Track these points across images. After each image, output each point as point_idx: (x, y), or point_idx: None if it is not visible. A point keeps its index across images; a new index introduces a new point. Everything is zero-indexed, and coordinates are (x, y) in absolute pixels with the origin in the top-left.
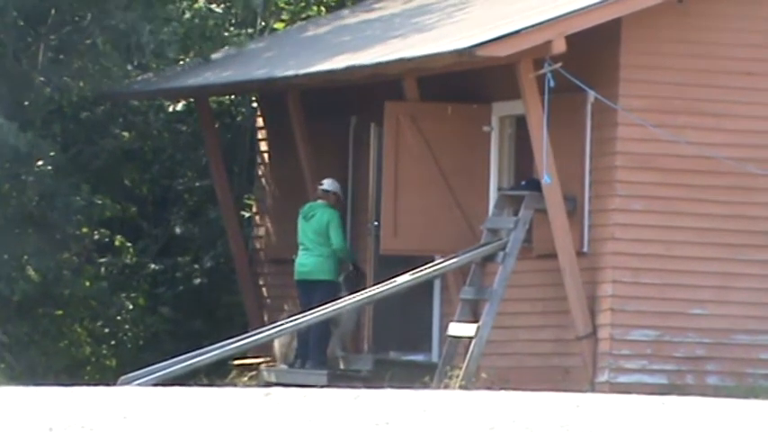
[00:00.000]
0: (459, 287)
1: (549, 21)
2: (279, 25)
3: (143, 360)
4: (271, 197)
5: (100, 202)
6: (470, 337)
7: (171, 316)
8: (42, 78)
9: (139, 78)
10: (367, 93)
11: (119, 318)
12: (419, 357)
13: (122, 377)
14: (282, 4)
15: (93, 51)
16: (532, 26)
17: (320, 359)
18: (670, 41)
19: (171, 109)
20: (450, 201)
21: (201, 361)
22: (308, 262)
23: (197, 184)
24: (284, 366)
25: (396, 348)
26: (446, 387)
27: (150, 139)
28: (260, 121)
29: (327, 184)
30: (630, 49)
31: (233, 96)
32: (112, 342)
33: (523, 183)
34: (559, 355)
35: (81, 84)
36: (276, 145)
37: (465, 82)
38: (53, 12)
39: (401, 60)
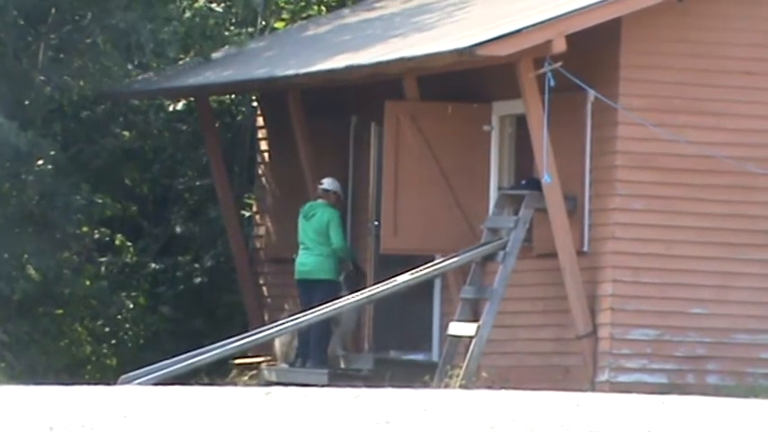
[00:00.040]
0: (459, 286)
1: (549, 20)
2: (279, 24)
3: (143, 359)
4: (271, 196)
5: (100, 201)
6: (471, 337)
7: (171, 315)
8: (43, 77)
9: (140, 77)
10: (367, 92)
11: (119, 317)
12: (419, 357)
13: (123, 376)
14: (283, 4)
15: (94, 50)
16: (533, 25)
17: (321, 358)
18: (670, 41)
19: (171, 108)
20: (450, 200)
21: (202, 360)
22: (308, 261)
23: (197, 183)
24: (285, 365)
25: (396, 348)
26: (446, 386)
27: (150, 139)
28: (260, 121)
29: (327, 183)
30: (630, 49)
31: (233, 96)
32: (113, 341)
33: (524, 182)
34: (560, 354)
35: (81, 83)
36: (276, 144)
37: (465, 81)
38: (53, 11)
39: (401, 60)
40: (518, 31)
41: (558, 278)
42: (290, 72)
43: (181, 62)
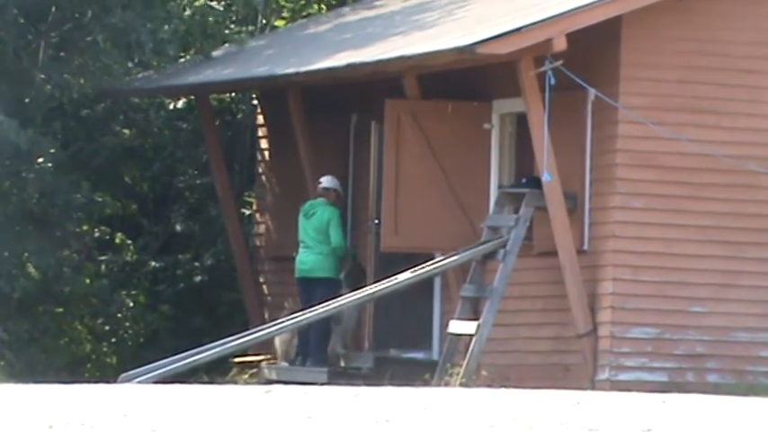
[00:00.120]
0: (459, 285)
1: (549, 18)
2: (280, 23)
3: (143, 357)
4: (271, 195)
5: (100, 199)
6: (471, 335)
7: (171, 313)
8: (43, 76)
9: (140, 76)
10: (367, 90)
11: (119, 315)
12: (419, 355)
13: (123, 375)
14: (283, 2)
15: (94, 49)
16: (533, 24)
17: (321, 357)
18: (670, 39)
19: (171, 106)
20: (450, 198)
21: (202, 358)
22: (308, 260)
23: (197, 181)
24: (285, 364)
25: (396, 346)
26: (446, 384)
27: (151, 137)
28: (260, 119)
29: (326, 181)
30: (631, 47)
31: (233, 94)
32: (113, 339)
33: (524, 180)
34: (560, 352)
35: (81, 81)
36: (277, 142)
37: (465, 79)
38: (53, 9)
39: (402, 58)
40: (518, 30)
41: (559, 276)
42: (291, 70)
43: (181, 60)
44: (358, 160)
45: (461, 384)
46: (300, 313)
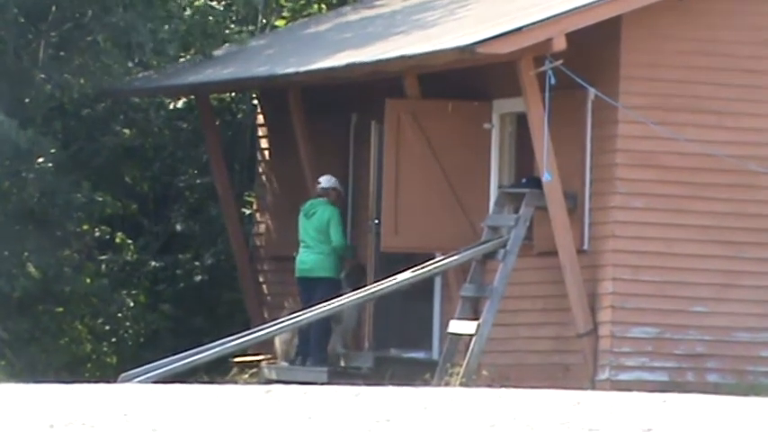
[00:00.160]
0: (459, 284)
1: (549, 18)
2: (280, 22)
3: (143, 357)
4: (271, 194)
5: (100, 199)
6: (471, 335)
7: (172, 313)
8: (43, 75)
9: (140, 75)
10: (368, 90)
11: (119, 315)
12: (420, 355)
13: (123, 374)
14: (283, 2)
15: (94, 48)
16: (533, 23)
17: (321, 356)
18: (671, 39)
19: (171, 106)
20: (450, 198)
21: (202, 358)
22: (308, 259)
23: (198, 181)
24: (285, 363)
25: (396, 346)
26: (447, 384)
27: (151, 137)
28: (261, 119)
29: (324, 181)
30: (631, 47)
31: (234, 93)
32: (113, 339)
33: (524, 180)
34: (560, 352)
35: (82, 81)
36: (277, 142)
37: (466, 79)
38: (54, 9)
39: (402, 58)
40: (519, 29)
41: (559, 276)
42: (291, 70)
43: (181, 60)
44: (358, 160)
45: (462, 384)
46: (300, 313)
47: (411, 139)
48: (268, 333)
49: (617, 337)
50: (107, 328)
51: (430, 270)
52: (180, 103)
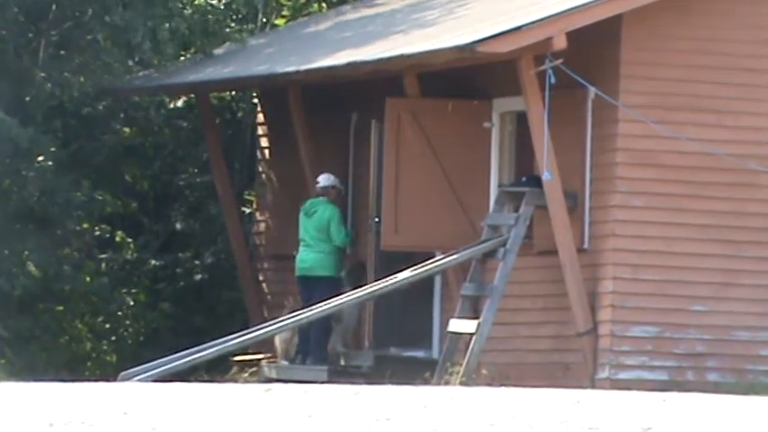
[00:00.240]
0: (459, 283)
1: (549, 17)
2: (280, 21)
3: (143, 356)
4: (271, 193)
5: (101, 197)
6: (471, 334)
7: (171, 312)
8: (43, 74)
9: (140, 74)
10: (368, 89)
11: (119, 314)
12: (420, 353)
13: (123, 373)
14: (284, 1)
15: (94, 47)
16: (533, 22)
17: (321, 355)
18: (671, 38)
19: (172, 105)
20: (450, 197)
21: (202, 357)
22: (308, 258)
23: (198, 179)
24: (285, 362)
25: (396, 344)
26: (446, 383)
27: (151, 135)
28: (261, 117)
29: (323, 179)
30: (631, 46)
31: (234, 92)
32: (113, 338)
33: (524, 179)
34: (560, 351)
35: (82, 79)
36: (277, 141)
37: (466, 78)
38: (54, 7)
39: (402, 56)
40: (519, 28)
41: (559, 275)
42: (291, 69)
43: (182, 59)
44: (358, 159)
45: (461, 383)
46: (300, 312)
47: (411, 138)
48: (268, 332)
49: (617, 336)
50: (107, 326)
51: (430, 269)
52: (180, 102)
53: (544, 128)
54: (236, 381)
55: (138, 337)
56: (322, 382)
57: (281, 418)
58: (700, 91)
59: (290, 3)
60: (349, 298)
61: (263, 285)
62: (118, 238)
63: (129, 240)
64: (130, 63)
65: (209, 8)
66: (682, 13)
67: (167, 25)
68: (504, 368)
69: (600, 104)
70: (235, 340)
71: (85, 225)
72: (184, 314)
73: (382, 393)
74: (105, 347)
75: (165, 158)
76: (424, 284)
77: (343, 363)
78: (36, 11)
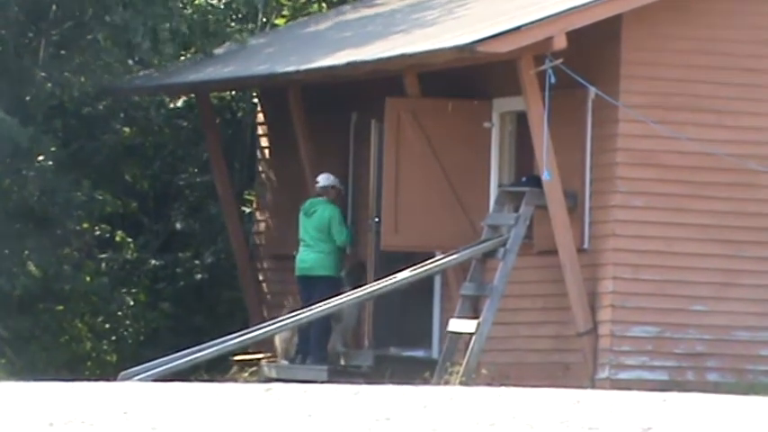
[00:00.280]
0: (459, 283)
1: (549, 17)
2: (280, 21)
3: (143, 355)
4: (271, 193)
5: (101, 197)
6: (471, 334)
7: (171, 312)
8: (43, 74)
9: (140, 74)
10: (368, 89)
11: (119, 313)
12: (419, 353)
13: (123, 372)
14: (284, 1)
15: (95, 47)
16: (533, 22)
17: (321, 355)
18: (671, 38)
19: (172, 105)
20: (450, 197)
21: (202, 356)
22: (308, 258)
23: (198, 179)
24: (285, 362)
25: (396, 344)
26: (446, 383)
27: (151, 135)
28: (261, 117)
29: (323, 179)
30: (631, 46)
31: (234, 92)
32: (113, 337)
33: (524, 179)
34: (560, 351)
35: (82, 79)
36: (277, 141)
37: (466, 78)
38: (54, 7)
39: (402, 56)
40: (519, 28)
41: (559, 275)
42: (291, 68)
43: (182, 58)
44: (358, 158)
45: (461, 383)
46: (300, 311)
47: (411, 138)
48: (268, 331)
49: (617, 336)
50: (107, 326)
51: (430, 269)
52: (180, 102)
53: (544, 128)
54: (236, 380)
55: (138, 336)
56: (322, 382)
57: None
58: (700, 91)
59: (290, 3)
60: (349, 298)
61: (263, 285)
62: (118, 238)
63: (129, 240)
64: (130, 63)
65: (209, 8)
66: (682, 12)
67: (167, 25)
68: (504, 368)
69: (600, 104)
70: (235, 340)
71: (85, 225)
72: (184, 314)
73: (382, 393)
74: (105, 347)
75: (165, 158)
76: (424, 284)
77: (342, 362)
78: (36, 10)
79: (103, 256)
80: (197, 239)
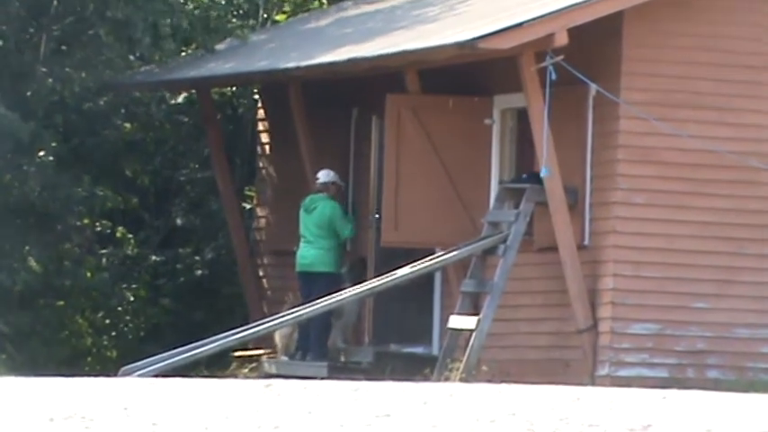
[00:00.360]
0: (459, 280)
1: (551, 13)
2: (281, 17)
3: (144, 351)
4: (272, 189)
5: (101, 193)
6: (471, 330)
7: (172, 307)
8: (44, 69)
9: (141, 70)
10: (368, 85)
11: (120, 309)
12: (419, 350)
13: (123, 368)
14: None
15: (96, 43)
16: (534, 19)
17: (321, 351)
18: (672, 34)
19: (173, 101)
20: (451, 194)
21: (202, 352)
22: (309, 254)
23: (198, 175)
24: (285, 358)
25: (396, 341)
26: (446, 380)
27: (152, 131)
28: (261, 113)
29: (323, 175)
30: (632, 42)
31: (235, 88)
32: (113, 333)
33: (524, 176)
34: (560, 348)
35: (83, 75)
36: (277, 137)
37: (466, 75)
38: (55, 3)
39: (403, 53)
40: (520, 25)
41: (559, 272)
42: (292, 65)
43: (183, 54)
44: (358, 155)
45: (461, 379)
46: (301, 308)
47: (411, 135)
48: (268, 328)
49: (617, 333)
50: (107, 321)
51: (430, 265)
52: (181, 98)
53: (545, 124)
54: (236, 376)
55: (139, 332)
56: (322, 378)
57: (280, 413)
58: (701, 88)
59: None
60: (349, 294)
61: (264, 281)
62: (118, 234)
63: (130, 236)
64: (131, 58)
65: (210, 4)
66: (683, 9)
67: (168, 21)
68: (505, 365)
69: (601, 101)
70: (235, 336)
71: (86, 220)
72: (185, 310)
73: (382, 389)
74: (106, 343)
75: (166, 154)
76: (425, 281)
77: (343, 359)
78: (37, 6)
79: (104, 251)
80: (197, 235)
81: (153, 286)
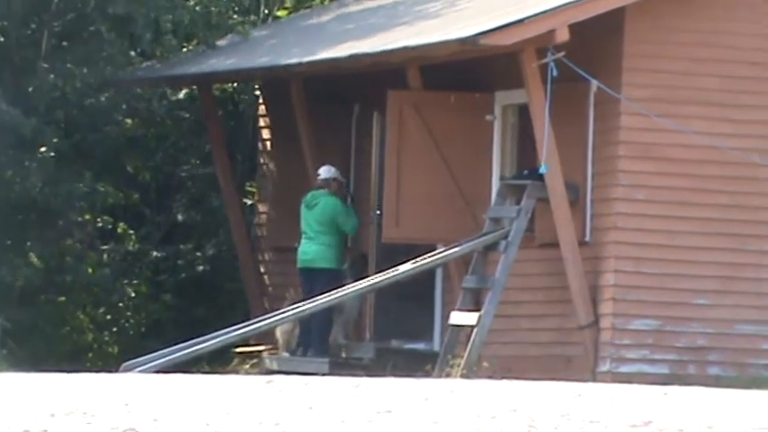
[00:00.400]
0: (461, 276)
1: (552, 10)
2: (282, 13)
3: (145, 347)
4: (273, 185)
5: (103, 188)
6: (472, 326)
7: (173, 303)
8: (46, 65)
9: (143, 66)
10: (370, 81)
11: (121, 305)
12: (421, 346)
13: (124, 364)
14: None
15: (97, 38)
16: (536, 15)
17: (322, 347)
18: (674, 30)
19: (174, 97)
20: (452, 190)
21: (204, 348)
22: (310, 250)
23: (200, 171)
24: (286, 354)
25: (397, 337)
26: (448, 376)
27: (153, 127)
28: (263, 109)
29: (324, 172)
30: (634, 39)
31: (236, 84)
32: (115, 329)
33: (526, 172)
34: (561, 344)
35: (84, 71)
36: (279, 133)
37: (468, 71)
38: None
39: (404, 49)
40: (521, 21)
41: (560, 268)
42: (293, 61)
43: (184, 50)
44: (360, 151)
45: (462, 376)
46: (302, 304)
47: (413, 131)
48: (269, 323)
49: (618, 330)
50: (109, 317)
51: (431, 261)
52: (182, 94)
53: (546, 121)
54: (237, 372)
55: (140, 328)
56: (323, 374)
57: (282, 409)
58: (703, 84)
59: None
60: (350, 290)
61: (265, 277)
62: (120, 230)
63: (131, 232)
64: (133, 54)
65: (212, 0)
66: (685, 5)
67: (170, 17)
68: (506, 361)
69: (602, 97)
70: (236, 332)
71: (87, 216)
72: (186, 305)
73: (383, 386)
74: (107, 338)
75: (168, 150)
76: (426, 277)
77: (344, 355)
78: (39, 2)
79: (105, 247)
80: (199, 231)
81: (154, 282)
